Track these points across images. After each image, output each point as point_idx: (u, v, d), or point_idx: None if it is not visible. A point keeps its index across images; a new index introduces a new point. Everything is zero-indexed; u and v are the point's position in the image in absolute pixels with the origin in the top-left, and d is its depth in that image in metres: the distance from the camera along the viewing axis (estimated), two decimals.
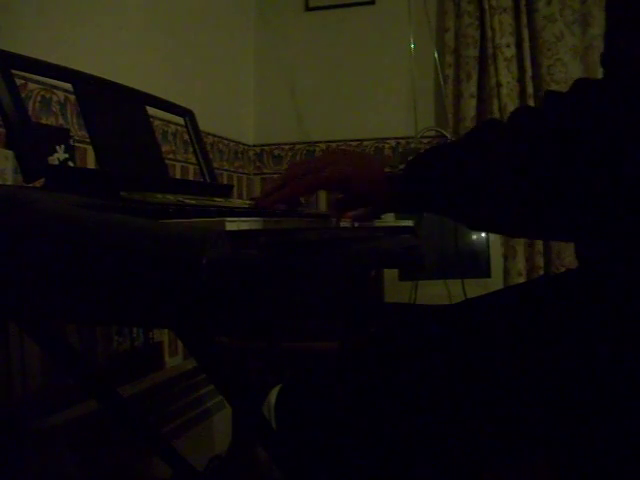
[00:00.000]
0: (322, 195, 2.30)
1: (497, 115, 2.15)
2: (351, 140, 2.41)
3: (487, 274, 1.94)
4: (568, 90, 0.57)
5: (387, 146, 2.38)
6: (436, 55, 2.16)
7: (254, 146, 2.51)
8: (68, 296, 0.51)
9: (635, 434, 0.58)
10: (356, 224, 0.85)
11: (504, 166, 0.58)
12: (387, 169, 0.71)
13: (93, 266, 0.49)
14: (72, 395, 1.21)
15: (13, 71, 0.73)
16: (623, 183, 0.52)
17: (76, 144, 1.39)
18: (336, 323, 1.71)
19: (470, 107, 2.20)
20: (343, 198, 0.80)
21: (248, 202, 0.87)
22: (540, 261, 2.16)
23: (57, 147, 1.32)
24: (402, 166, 0.69)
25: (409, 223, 1.12)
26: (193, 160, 1.54)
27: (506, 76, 2.15)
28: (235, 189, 2.31)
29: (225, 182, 2.25)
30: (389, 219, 1.14)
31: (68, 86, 0.87)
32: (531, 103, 2.15)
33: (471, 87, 2.20)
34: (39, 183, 0.72)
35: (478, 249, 1.95)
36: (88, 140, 0.89)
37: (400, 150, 0.65)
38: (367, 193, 0.73)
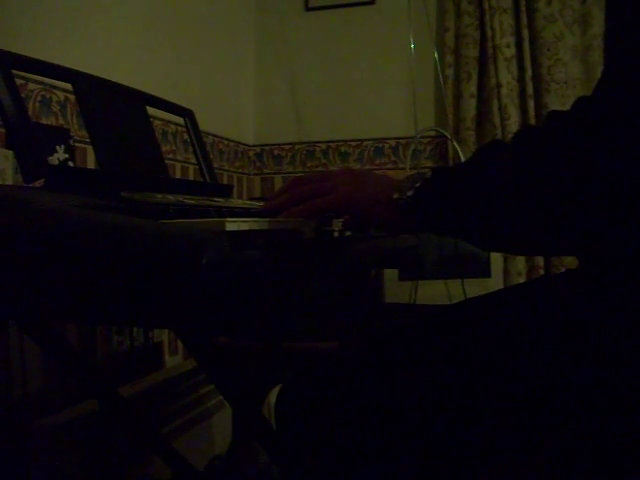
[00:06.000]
0: None
1: (497, 115, 2.15)
2: (351, 140, 2.41)
3: (487, 274, 1.95)
4: (570, 109, 0.57)
5: (387, 146, 2.38)
6: (436, 55, 2.16)
7: (254, 146, 2.51)
8: (68, 296, 0.51)
9: (637, 434, 0.58)
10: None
11: (512, 190, 0.58)
12: (395, 195, 0.70)
13: (93, 266, 0.49)
14: (72, 395, 1.21)
15: (13, 71, 0.73)
16: (630, 197, 0.52)
17: (76, 144, 1.39)
18: (336, 323, 1.71)
19: (470, 107, 2.20)
20: (350, 221, 0.80)
21: (248, 202, 0.87)
22: (540, 261, 2.16)
23: (57, 147, 1.32)
24: (410, 193, 0.69)
25: None
26: (193, 160, 1.54)
27: (506, 76, 2.15)
28: (235, 189, 2.31)
29: (225, 182, 2.25)
30: None
31: (68, 86, 0.87)
32: (531, 103, 2.15)
33: (471, 87, 2.20)
34: (39, 183, 0.72)
35: (478, 249, 1.95)
36: (88, 140, 0.89)
37: (407, 175, 0.66)
38: (376, 221, 0.73)
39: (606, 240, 0.57)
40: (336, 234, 0.84)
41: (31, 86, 1.30)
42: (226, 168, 2.28)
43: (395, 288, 1.95)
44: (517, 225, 0.60)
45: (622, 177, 0.52)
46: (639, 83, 0.53)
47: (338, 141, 2.43)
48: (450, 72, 2.24)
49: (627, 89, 0.54)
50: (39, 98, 1.32)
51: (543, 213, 0.57)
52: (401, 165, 2.34)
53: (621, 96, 0.54)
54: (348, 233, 0.86)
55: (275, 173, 2.49)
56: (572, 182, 0.54)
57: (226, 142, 2.27)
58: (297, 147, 2.47)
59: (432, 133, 2.28)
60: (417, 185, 0.68)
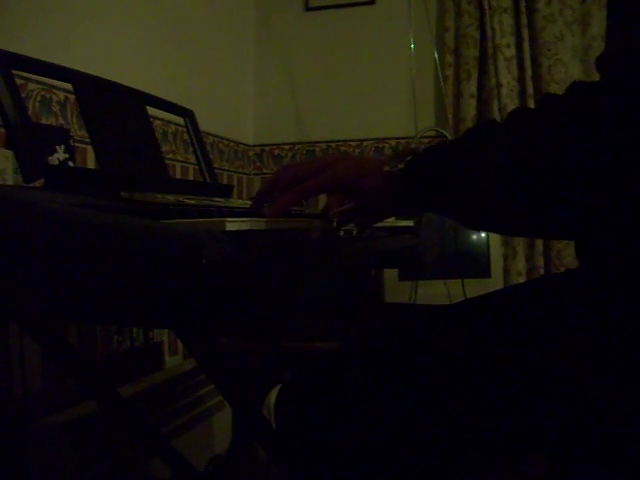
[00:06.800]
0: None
1: (497, 115, 2.15)
2: (351, 140, 2.41)
3: (487, 274, 1.94)
4: (564, 92, 0.57)
5: (387, 146, 2.38)
6: (436, 55, 2.16)
7: (254, 146, 2.51)
8: (68, 296, 0.51)
9: (636, 436, 0.58)
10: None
11: (502, 165, 0.58)
12: (386, 168, 0.70)
13: (93, 266, 0.49)
14: (72, 395, 1.21)
15: (13, 71, 0.73)
16: (622, 182, 0.52)
17: (76, 144, 1.39)
18: (336, 323, 1.71)
19: (470, 107, 2.20)
20: (347, 210, 0.80)
21: (248, 202, 0.87)
22: (540, 261, 2.16)
23: (57, 147, 1.32)
24: (401, 166, 0.69)
25: (409, 223, 1.12)
26: (193, 160, 1.54)
27: (506, 76, 2.15)
28: (235, 189, 2.31)
29: (225, 182, 2.25)
30: (389, 219, 1.14)
31: (68, 86, 0.87)
32: (531, 103, 2.15)
33: (471, 87, 2.20)
34: (39, 183, 0.72)
35: (478, 249, 1.95)
36: (88, 140, 0.89)
37: (398, 150, 0.64)
38: (367, 195, 0.73)
39: (601, 224, 0.56)
40: (342, 233, 0.84)
41: (31, 86, 1.30)
42: (226, 168, 2.28)
43: (395, 288, 1.95)
44: (508, 205, 0.59)
45: (616, 159, 0.52)
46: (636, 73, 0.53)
47: (338, 141, 2.43)
48: (450, 72, 2.24)
49: (626, 79, 0.53)
50: (39, 98, 1.32)
51: (535, 193, 0.56)
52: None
53: (617, 80, 0.54)
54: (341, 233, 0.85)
55: None
56: (566, 163, 0.54)
57: (226, 142, 2.27)
58: (297, 147, 2.47)
59: (432, 133, 2.28)
60: (408, 159, 0.68)
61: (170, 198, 0.73)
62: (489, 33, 2.16)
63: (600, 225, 0.57)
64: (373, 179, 0.71)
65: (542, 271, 2.15)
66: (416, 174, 0.68)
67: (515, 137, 0.58)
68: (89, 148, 1.39)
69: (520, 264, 2.14)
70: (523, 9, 2.15)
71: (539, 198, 0.56)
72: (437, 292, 1.86)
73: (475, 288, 1.78)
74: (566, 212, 0.57)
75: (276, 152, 2.50)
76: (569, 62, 2.15)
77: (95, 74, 0.90)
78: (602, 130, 0.52)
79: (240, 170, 2.40)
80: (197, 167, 1.16)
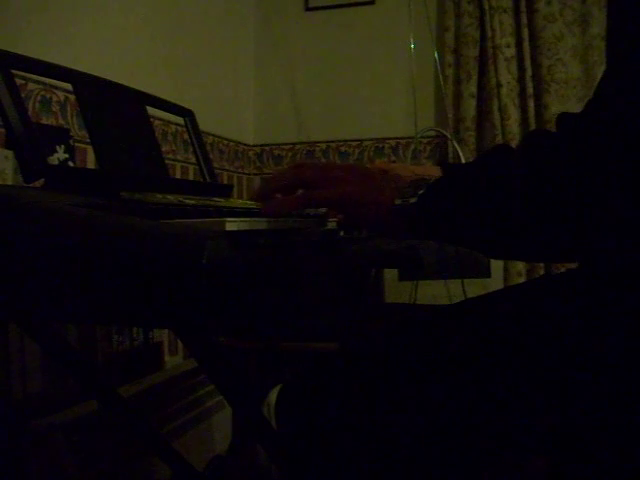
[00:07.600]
0: None
1: (497, 115, 2.15)
2: (351, 140, 2.41)
3: (487, 274, 1.94)
4: (581, 112, 0.57)
5: (387, 146, 2.38)
6: (436, 55, 2.16)
7: (254, 146, 2.51)
8: (68, 296, 0.51)
9: (637, 436, 0.58)
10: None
11: (521, 196, 0.57)
12: (397, 201, 0.68)
13: (93, 266, 0.49)
14: (72, 395, 1.21)
15: (13, 71, 0.73)
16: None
17: (76, 144, 1.39)
18: (336, 323, 1.71)
19: (470, 107, 2.20)
20: (348, 221, 0.79)
21: (248, 202, 0.87)
22: None
23: (57, 147, 1.32)
24: (413, 200, 0.67)
25: None
26: (193, 160, 1.54)
27: (506, 76, 2.15)
28: (235, 189, 2.31)
29: (225, 182, 2.25)
30: None
31: (68, 86, 0.87)
32: (531, 103, 2.15)
33: (471, 87, 2.20)
34: (39, 183, 0.72)
35: None
36: (88, 140, 0.89)
37: (411, 180, 0.64)
38: (370, 222, 0.72)
39: (621, 246, 0.56)
40: (342, 234, 0.84)
41: (31, 86, 1.30)
42: (226, 168, 2.28)
43: (395, 288, 1.95)
44: (528, 234, 0.58)
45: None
46: None
47: (338, 141, 2.43)
48: (450, 72, 2.24)
49: (632, 87, 0.53)
50: (39, 98, 1.32)
51: (558, 221, 0.55)
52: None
53: (627, 96, 0.53)
54: (341, 233, 0.85)
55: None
56: (589, 187, 0.53)
57: (226, 142, 2.27)
58: (297, 147, 2.47)
59: (432, 133, 2.28)
60: (420, 192, 0.67)
61: (170, 198, 0.73)
62: (489, 33, 2.16)
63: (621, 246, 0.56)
64: (380, 210, 0.68)
65: (542, 271, 2.15)
66: (429, 209, 0.66)
67: (535, 168, 0.57)
68: (89, 148, 1.39)
69: (520, 264, 2.14)
70: (523, 9, 2.15)
71: (564, 224, 0.56)
72: (437, 292, 1.86)
73: (475, 288, 1.78)
74: (591, 239, 0.56)
75: (276, 152, 2.50)
76: (569, 62, 2.15)
77: (95, 74, 0.90)
78: (625, 150, 0.52)
79: (240, 170, 2.40)
80: (197, 167, 1.16)
